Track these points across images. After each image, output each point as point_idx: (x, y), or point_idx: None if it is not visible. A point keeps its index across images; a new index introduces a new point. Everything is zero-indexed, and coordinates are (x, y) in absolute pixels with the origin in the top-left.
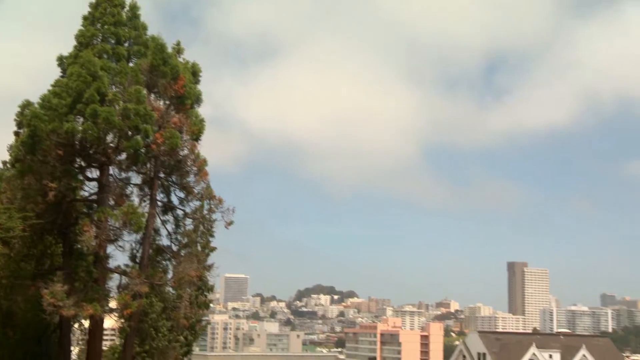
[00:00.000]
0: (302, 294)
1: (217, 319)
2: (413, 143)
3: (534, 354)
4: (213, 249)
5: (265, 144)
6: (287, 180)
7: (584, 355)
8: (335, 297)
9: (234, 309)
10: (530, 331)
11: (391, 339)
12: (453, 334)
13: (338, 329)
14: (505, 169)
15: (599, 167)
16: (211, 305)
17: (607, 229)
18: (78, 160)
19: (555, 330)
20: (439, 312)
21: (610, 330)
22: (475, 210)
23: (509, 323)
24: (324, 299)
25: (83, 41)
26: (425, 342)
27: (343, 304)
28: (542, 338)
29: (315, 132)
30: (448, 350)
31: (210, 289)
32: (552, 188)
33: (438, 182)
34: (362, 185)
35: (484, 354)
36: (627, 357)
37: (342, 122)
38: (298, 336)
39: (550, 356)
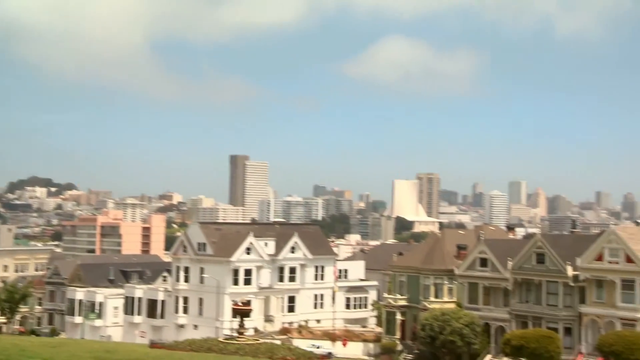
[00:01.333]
0: (15, 186)
1: None
2: (140, 34)
3: (251, 243)
4: None
5: None
6: (1, 63)
7: (296, 242)
8: (53, 189)
9: None
10: (248, 221)
11: (112, 231)
12: (175, 226)
13: (55, 222)
14: (234, 65)
15: (321, 67)
16: None
17: (323, 125)
18: None
19: (271, 219)
20: (161, 204)
21: (320, 218)
22: (201, 104)
23: (229, 214)
24: (40, 191)
25: None
26: (146, 233)
27: (61, 196)
28: (259, 228)
29: (35, 13)
30: (170, 242)
31: None
32: (276, 85)
33: (166, 74)
34: (86, 73)
35: (204, 244)
36: (332, 241)
37: (65, 4)
38: (9, 230)
39: (266, 244)
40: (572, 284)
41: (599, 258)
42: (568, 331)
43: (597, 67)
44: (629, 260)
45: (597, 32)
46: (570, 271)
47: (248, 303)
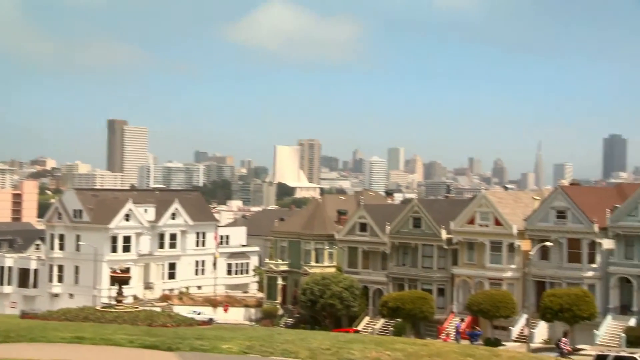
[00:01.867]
0: None
1: None
2: None
3: (130, 209)
4: None
5: None
6: None
7: (176, 208)
8: None
9: None
10: (127, 187)
11: None
12: (49, 192)
13: None
14: (110, 27)
15: (200, 31)
16: None
17: (204, 89)
18: None
19: (151, 185)
20: (33, 170)
21: (201, 184)
22: (77, 67)
23: (107, 180)
24: None
25: None
26: (17, 200)
27: None
28: (139, 194)
29: None
30: (43, 209)
31: None
32: (155, 48)
33: (40, 34)
34: None
35: (80, 211)
36: (214, 208)
37: None
38: None
39: (146, 210)
40: (445, 246)
41: (471, 221)
42: (441, 292)
43: (470, 39)
44: (498, 223)
45: (471, 5)
46: (444, 234)
47: (127, 270)
